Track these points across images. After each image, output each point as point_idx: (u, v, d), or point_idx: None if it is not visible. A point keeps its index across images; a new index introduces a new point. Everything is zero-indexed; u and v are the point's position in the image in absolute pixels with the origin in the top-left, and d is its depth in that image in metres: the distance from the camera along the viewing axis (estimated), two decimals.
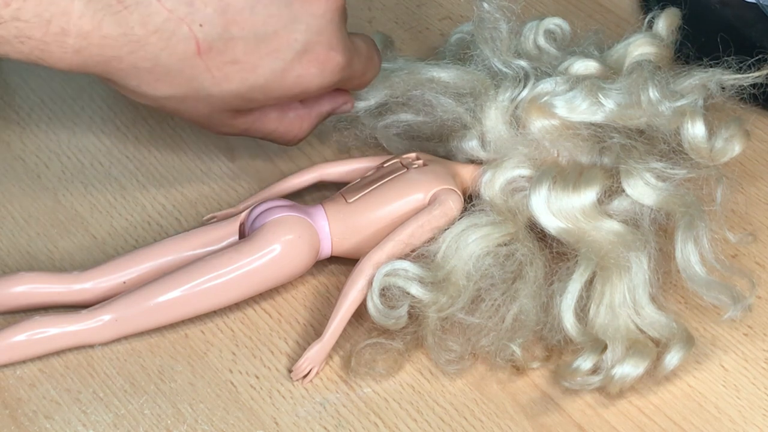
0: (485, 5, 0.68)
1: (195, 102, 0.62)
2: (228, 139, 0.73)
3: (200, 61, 0.59)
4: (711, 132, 0.65)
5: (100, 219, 0.69)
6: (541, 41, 0.70)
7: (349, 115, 0.70)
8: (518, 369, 0.62)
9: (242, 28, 0.59)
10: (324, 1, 0.61)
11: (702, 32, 0.73)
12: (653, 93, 0.65)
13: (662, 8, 0.71)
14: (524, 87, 0.66)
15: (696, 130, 0.65)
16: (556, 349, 0.62)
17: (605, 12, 0.81)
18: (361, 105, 0.70)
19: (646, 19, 0.71)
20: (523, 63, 0.68)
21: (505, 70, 0.67)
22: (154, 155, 0.72)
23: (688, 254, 0.62)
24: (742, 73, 0.67)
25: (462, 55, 0.70)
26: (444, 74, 0.68)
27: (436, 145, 0.69)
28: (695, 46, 0.71)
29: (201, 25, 0.59)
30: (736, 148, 0.66)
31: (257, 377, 0.62)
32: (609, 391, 0.60)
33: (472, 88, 0.67)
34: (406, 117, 0.69)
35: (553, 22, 0.70)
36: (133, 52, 0.58)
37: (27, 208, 0.69)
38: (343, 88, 0.67)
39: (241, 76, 0.60)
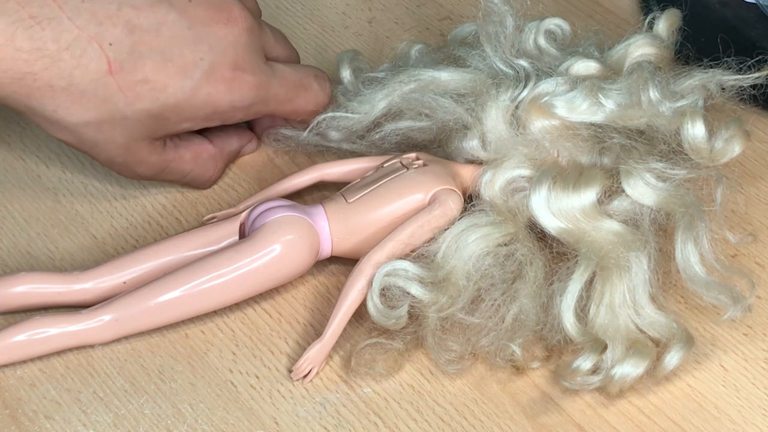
0: None
1: (111, 128, 0.63)
2: None
3: (112, 80, 0.62)
4: (711, 132, 0.65)
5: (100, 219, 0.69)
6: (542, 41, 0.70)
7: (346, 129, 0.69)
8: (518, 369, 0.62)
9: (150, 48, 0.62)
10: (224, 25, 0.64)
11: (702, 32, 0.73)
12: (653, 93, 0.65)
13: (662, 9, 0.71)
14: (525, 87, 0.66)
15: (696, 130, 0.65)
16: (556, 349, 0.62)
17: (605, 13, 0.81)
18: (357, 118, 0.69)
19: (647, 20, 0.71)
20: (524, 62, 0.67)
21: (506, 69, 0.67)
22: None
23: (688, 254, 0.62)
24: (742, 74, 0.67)
25: (456, 56, 0.70)
26: (444, 75, 0.68)
27: (436, 150, 0.69)
28: (695, 47, 0.71)
29: (111, 44, 0.61)
30: (736, 148, 0.66)
31: (257, 377, 0.62)
32: (609, 391, 0.60)
33: (472, 88, 0.67)
34: (405, 124, 0.68)
35: (554, 23, 0.70)
36: (47, 68, 0.60)
37: (27, 208, 0.70)
38: (279, 115, 0.69)
39: (153, 95, 0.63)
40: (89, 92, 0.62)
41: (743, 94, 0.68)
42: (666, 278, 0.64)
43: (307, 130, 0.69)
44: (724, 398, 0.61)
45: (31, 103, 0.62)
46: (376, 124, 0.69)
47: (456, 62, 0.70)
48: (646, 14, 0.75)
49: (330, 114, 0.69)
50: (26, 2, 0.60)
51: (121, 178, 0.71)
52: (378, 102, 0.68)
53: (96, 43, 0.61)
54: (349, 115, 0.69)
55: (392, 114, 0.69)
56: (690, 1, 0.73)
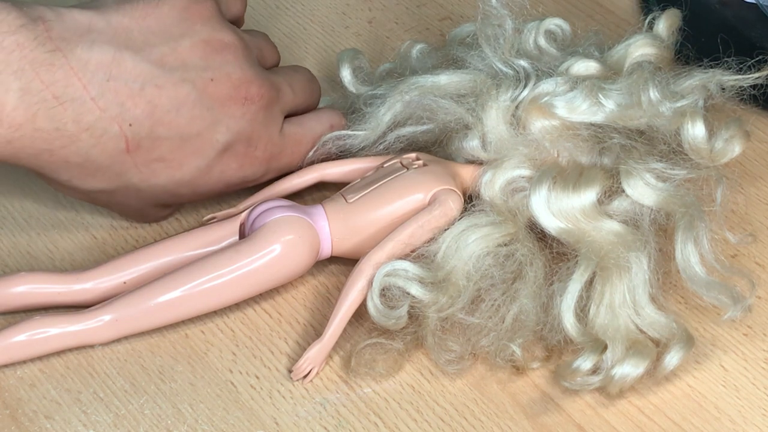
0: (493, 0, 0.67)
1: (124, 196, 0.64)
2: None
3: (129, 158, 0.62)
4: (711, 133, 0.65)
5: (100, 219, 0.69)
6: (542, 41, 0.70)
7: (351, 147, 0.69)
8: (518, 369, 0.62)
9: (168, 129, 0.62)
10: (241, 104, 0.63)
11: (702, 33, 0.73)
12: (654, 93, 0.65)
13: (662, 9, 0.71)
14: (525, 87, 0.66)
15: (696, 130, 0.65)
16: (556, 349, 0.62)
17: (605, 13, 0.81)
18: (363, 135, 0.68)
19: (647, 20, 0.71)
20: (524, 63, 0.67)
21: (505, 69, 0.67)
22: None
23: (688, 254, 0.62)
24: (742, 74, 0.67)
25: (456, 57, 0.70)
26: (443, 78, 0.67)
27: (436, 150, 0.69)
28: (695, 47, 0.71)
29: (131, 125, 0.61)
30: (736, 148, 0.66)
31: (257, 377, 0.62)
32: (609, 391, 0.60)
33: (472, 89, 0.67)
34: (408, 130, 0.68)
35: (554, 23, 0.70)
36: (65, 147, 0.60)
37: (27, 208, 0.69)
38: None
39: (168, 173, 0.63)
40: (104, 167, 0.62)
41: (743, 94, 0.68)
42: (666, 278, 0.63)
43: (311, 151, 0.69)
44: (724, 398, 0.61)
45: (44, 172, 0.62)
46: (381, 136, 0.68)
47: (456, 63, 0.70)
48: (646, 14, 0.75)
49: (334, 134, 0.69)
50: (51, 82, 0.58)
51: None
52: (383, 116, 0.67)
53: (116, 124, 0.60)
54: (355, 133, 0.68)
55: (395, 122, 0.68)
56: (690, 1, 0.73)
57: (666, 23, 0.71)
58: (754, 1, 0.78)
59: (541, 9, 0.81)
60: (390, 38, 0.80)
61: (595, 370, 0.60)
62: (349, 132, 0.68)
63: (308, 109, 0.69)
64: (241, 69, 0.64)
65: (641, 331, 0.61)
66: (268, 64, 0.68)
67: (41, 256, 0.67)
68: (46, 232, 0.68)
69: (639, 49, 0.69)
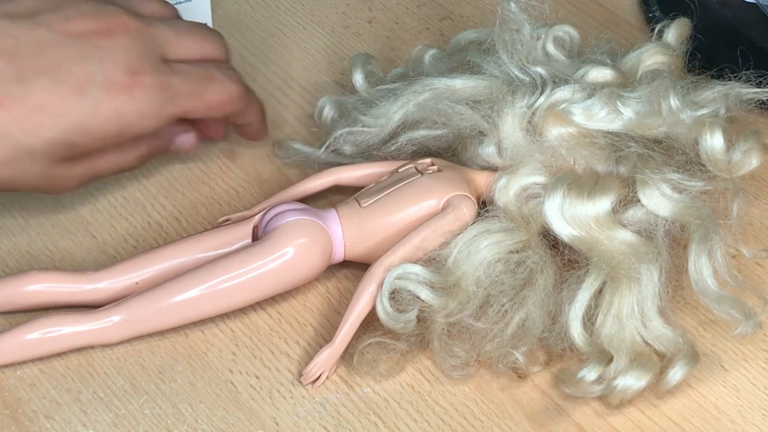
0: (512, 5, 0.67)
1: (20, 163, 0.61)
2: (228, 139, 0.73)
3: (5, 114, 0.59)
4: (729, 144, 0.65)
5: (101, 219, 0.69)
6: (550, 48, 0.69)
7: (363, 144, 0.69)
8: (520, 377, 0.61)
9: (36, 72, 0.60)
10: (106, 36, 0.62)
11: (701, 32, 0.73)
12: (674, 101, 0.64)
13: (662, 9, 0.71)
14: (541, 94, 0.65)
15: (715, 141, 0.64)
16: (558, 354, 0.62)
17: (605, 12, 0.81)
18: (374, 132, 0.68)
19: (656, 29, 0.70)
20: (540, 70, 0.67)
21: (522, 76, 0.67)
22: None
23: (701, 267, 0.61)
24: (761, 87, 0.66)
25: (470, 62, 0.70)
26: (458, 83, 0.67)
27: (449, 158, 0.68)
28: (693, 45, 0.71)
29: None
30: (754, 161, 0.65)
31: (257, 377, 0.62)
32: (610, 401, 0.60)
33: (488, 95, 0.66)
34: (421, 133, 0.68)
35: (562, 30, 0.69)
36: None
37: (27, 208, 0.69)
38: (196, 115, 0.66)
39: (53, 121, 0.60)
40: None
41: (763, 107, 0.67)
42: (675, 292, 0.63)
43: (324, 146, 0.69)
44: (724, 398, 0.61)
45: None
46: (392, 135, 0.68)
47: (471, 69, 0.69)
48: (646, 14, 0.75)
49: (346, 129, 0.68)
50: None
51: (122, 176, 0.71)
52: (393, 114, 0.67)
53: None
54: (365, 129, 0.68)
55: (408, 124, 0.68)
56: (690, 1, 0.73)
57: (676, 32, 0.70)
58: (754, 1, 0.78)
59: (548, 11, 0.80)
60: (390, 38, 0.80)
61: (597, 379, 0.59)
62: (360, 128, 0.68)
63: (212, 60, 0.67)
64: (95, 5, 0.63)
65: (647, 343, 0.60)
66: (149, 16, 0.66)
67: (41, 256, 0.67)
68: (46, 232, 0.68)
69: (651, 57, 0.68)
